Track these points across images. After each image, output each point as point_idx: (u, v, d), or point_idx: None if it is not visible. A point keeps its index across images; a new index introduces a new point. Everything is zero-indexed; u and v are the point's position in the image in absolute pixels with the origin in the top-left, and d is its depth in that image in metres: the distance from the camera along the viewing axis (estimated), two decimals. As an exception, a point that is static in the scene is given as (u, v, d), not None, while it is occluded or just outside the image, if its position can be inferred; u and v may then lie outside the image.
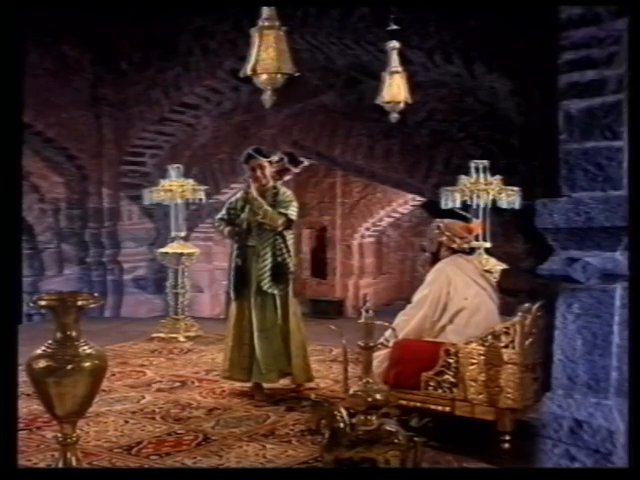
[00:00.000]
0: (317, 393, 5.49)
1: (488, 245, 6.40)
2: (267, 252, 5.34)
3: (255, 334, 5.36)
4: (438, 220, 4.89)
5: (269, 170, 5.46)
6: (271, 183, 5.49)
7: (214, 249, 10.74)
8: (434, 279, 4.63)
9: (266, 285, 5.31)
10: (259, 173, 5.39)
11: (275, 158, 5.54)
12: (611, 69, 3.13)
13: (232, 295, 5.50)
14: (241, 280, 5.39)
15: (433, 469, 3.89)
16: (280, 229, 5.37)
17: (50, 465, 3.93)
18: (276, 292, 5.35)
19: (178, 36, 9.38)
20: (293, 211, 5.42)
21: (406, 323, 4.59)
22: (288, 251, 5.40)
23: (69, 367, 3.05)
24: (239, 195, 5.63)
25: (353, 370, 4.28)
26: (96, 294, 3.58)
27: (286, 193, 5.49)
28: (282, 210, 5.38)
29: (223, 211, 5.65)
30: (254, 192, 5.33)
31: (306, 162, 10.39)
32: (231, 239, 5.64)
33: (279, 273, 5.34)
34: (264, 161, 5.44)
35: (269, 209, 5.33)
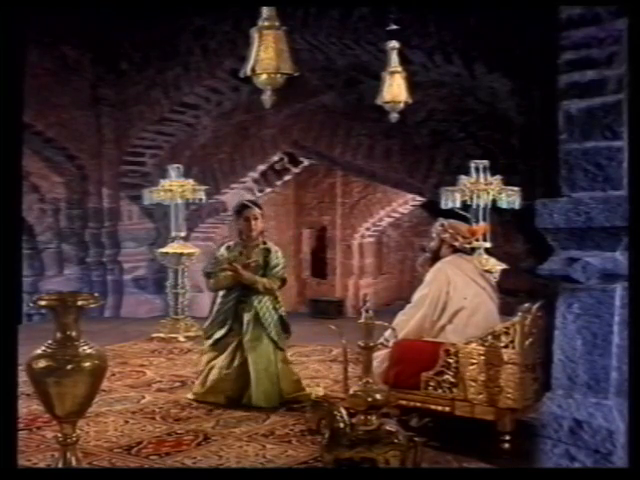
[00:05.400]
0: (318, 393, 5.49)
1: (488, 245, 6.40)
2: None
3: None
4: (442, 219, 4.90)
5: (261, 221, 5.49)
6: (260, 238, 5.52)
7: (214, 249, 10.73)
8: (433, 279, 4.62)
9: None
10: (254, 224, 5.43)
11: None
12: (611, 69, 3.13)
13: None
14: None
15: (433, 469, 3.89)
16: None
17: (50, 465, 3.92)
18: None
19: (178, 36, 9.37)
20: (284, 271, 5.55)
21: (406, 323, 4.59)
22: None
23: (69, 367, 3.05)
24: (229, 245, 5.58)
25: (353, 370, 4.28)
26: (96, 294, 3.58)
27: (278, 253, 5.52)
28: (278, 274, 5.45)
29: (210, 264, 5.59)
30: (243, 273, 5.33)
31: (306, 162, 10.40)
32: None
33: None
34: (259, 212, 5.48)
35: (264, 281, 5.38)
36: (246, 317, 5.35)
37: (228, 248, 5.53)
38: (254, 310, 5.35)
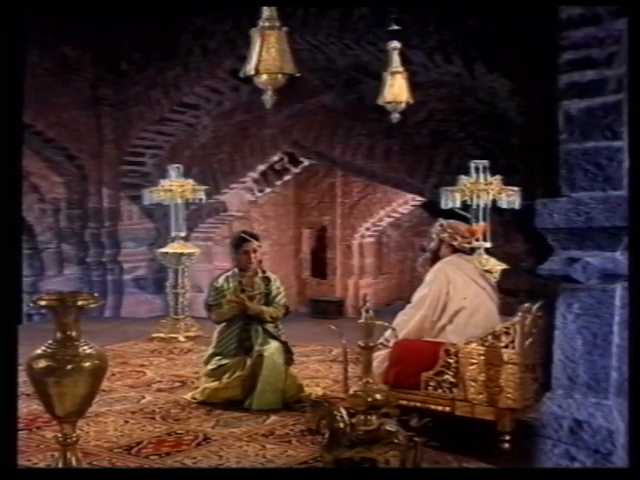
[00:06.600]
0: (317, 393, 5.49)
1: (488, 245, 6.40)
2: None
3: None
4: (441, 219, 4.90)
5: (259, 253, 5.57)
6: (259, 268, 5.57)
7: (214, 249, 10.74)
8: (433, 279, 4.62)
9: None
10: (253, 257, 5.48)
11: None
12: (611, 69, 3.14)
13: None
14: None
15: (433, 469, 3.89)
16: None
17: (50, 465, 3.92)
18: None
19: (178, 36, 9.38)
20: (286, 299, 5.62)
21: (406, 323, 4.59)
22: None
23: (69, 367, 3.05)
24: (228, 276, 5.57)
25: (353, 370, 4.28)
26: (96, 294, 3.58)
27: (277, 282, 5.58)
28: (281, 302, 5.51)
29: (211, 297, 5.59)
30: (250, 305, 5.37)
31: (306, 162, 10.40)
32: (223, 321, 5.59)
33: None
34: (257, 245, 5.54)
35: (270, 310, 5.44)
36: (253, 334, 5.38)
37: (227, 279, 5.54)
38: (260, 327, 5.39)
